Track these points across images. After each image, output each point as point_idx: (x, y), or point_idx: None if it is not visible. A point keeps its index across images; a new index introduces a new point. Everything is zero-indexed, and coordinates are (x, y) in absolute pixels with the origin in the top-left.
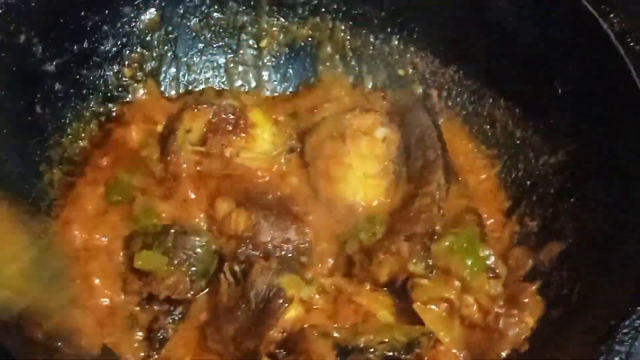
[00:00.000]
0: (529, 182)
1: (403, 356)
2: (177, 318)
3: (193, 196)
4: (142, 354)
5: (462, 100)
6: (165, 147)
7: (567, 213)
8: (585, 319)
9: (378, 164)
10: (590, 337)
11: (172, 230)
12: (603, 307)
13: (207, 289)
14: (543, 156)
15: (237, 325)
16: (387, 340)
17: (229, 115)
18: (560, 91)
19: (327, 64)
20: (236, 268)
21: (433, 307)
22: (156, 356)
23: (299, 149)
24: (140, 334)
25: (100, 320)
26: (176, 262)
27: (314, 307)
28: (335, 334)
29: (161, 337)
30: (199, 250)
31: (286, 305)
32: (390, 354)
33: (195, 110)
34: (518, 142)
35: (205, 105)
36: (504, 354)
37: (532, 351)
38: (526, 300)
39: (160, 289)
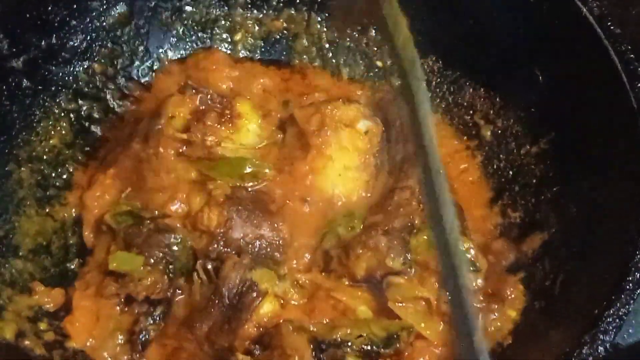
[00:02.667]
0: (511, 173)
1: (382, 350)
2: (158, 318)
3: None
4: (125, 357)
5: (442, 91)
6: (147, 132)
7: (549, 203)
8: (568, 309)
9: (359, 157)
10: (573, 327)
11: (145, 230)
12: (586, 297)
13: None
14: (525, 146)
15: (211, 323)
16: (364, 334)
17: (216, 104)
18: (541, 79)
19: (304, 56)
20: (209, 266)
21: (409, 305)
22: (140, 359)
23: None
24: (122, 337)
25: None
26: (152, 261)
27: (291, 302)
28: (312, 328)
29: (143, 339)
30: (175, 247)
31: (259, 299)
32: (369, 348)
33: (182, 96)
34: (499, 132)
35: (193, 92)
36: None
37: (515, 343)
38: (508, 293)
39: (139, 289)
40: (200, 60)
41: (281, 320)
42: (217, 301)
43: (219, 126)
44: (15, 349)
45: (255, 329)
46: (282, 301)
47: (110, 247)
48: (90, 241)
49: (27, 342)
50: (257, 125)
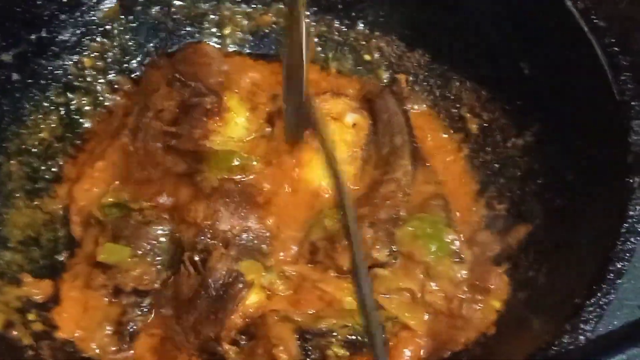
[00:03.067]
0: (497, 165)
1: (366, 340)
2: (145, 309)
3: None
4: (113, 348)
5: (429, 85)
6: (136, 125)
7: (534, 195)
8: (551, 299)
9: (347, 150)
10: (556, 316)
11: (133, 221)
12: (569, 287)
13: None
14: (510, 138)
15: (197, 314)
16: (349, 324)
17: (204, 98)
18: (526, 72)
19: None
20: (196, 257)
21: (394, 296)
22: (128, 350)
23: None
24: (110, 328)
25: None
26: (140, 252)
27: (277, 293)
28: (297, 319)
29: (131, 330)
30: (162, 239)
31: (246, 289)
32: (353, 338)
33: (170, 90)
34: (485, 124)
35: (180, 85)
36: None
37: (499, 333)
38: (492, 284)
39: (127, 280)
40: (189, 55)
41: (267, 311)
42: (203, 292)
43: (206, 119)
44: (3, 338)
45: (241, 320)
46: (268, 292)
47: (99, 239)
48: (78, 233)
49: (15, 332)
50: (245, 118)
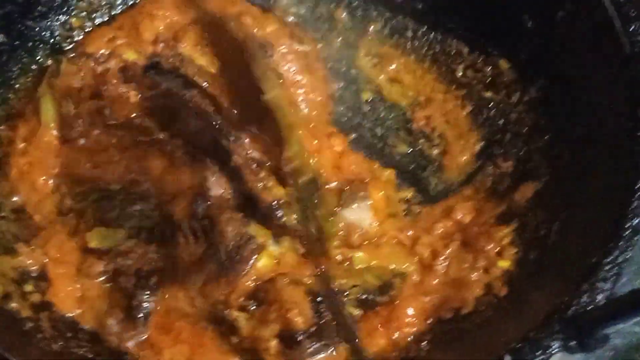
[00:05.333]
0: (501, 122)
1: (378, 298)
2: (154, 288)
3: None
4: (129, 334)
5: (428, 40)
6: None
7: (540, 152)
8: (564, 259)
9: None
10: (571, 276)
11: (117, 202)
12: (583, 245)
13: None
14: (515, 93)
15: (205, 277)
16: (359, 283)
17: (110, 64)
18: (530, 24)
19: None
20: (195, 225)
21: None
22: (144, 332)
23: None
24: (121, 315)
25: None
26: (134, 232)
27: (286, 258)
28: (307, 281)
29: (144, 312)
30: (152, 214)
31: (257, 252)
32: (364, 296)
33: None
34: (488, 80)
35: (84, 58)
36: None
37: (511, 294)
38: (490, 244)
39: (129, 263)
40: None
41: (273, 275)
42: (212, 256)
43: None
44: (2, 311)
45: (251, 282)
46: (276, 260)
47: (79, 226)
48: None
49: (13, 304)
50: None
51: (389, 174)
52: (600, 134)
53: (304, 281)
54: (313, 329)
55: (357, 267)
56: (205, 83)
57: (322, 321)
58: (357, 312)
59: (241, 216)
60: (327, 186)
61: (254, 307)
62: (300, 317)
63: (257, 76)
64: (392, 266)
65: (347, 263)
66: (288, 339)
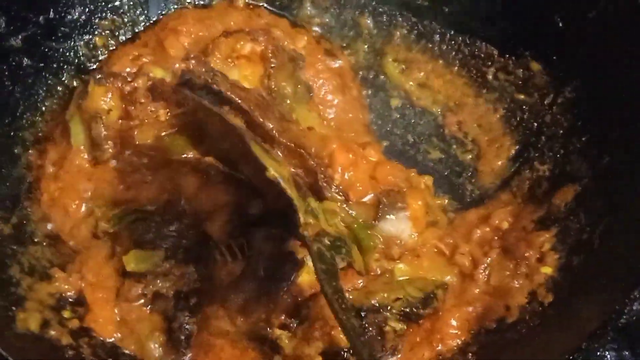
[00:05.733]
0: (535, 125)
1: (421, 311)
2: (194, 309)
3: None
4: (171, 356)
5: (456, 44)
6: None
7: (579, 153)
8: (611, 264)
9: None
10: (620, 282)
11: (152, 224)
12: (630, 249)
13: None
14: (548, 95)
15: (245, 295)
16: (401, 297)
17: (138, 82)
18: (560, 25)
19: None
20: (232, 244)
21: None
22: (186, 354)
23: None
24: (161, 337)
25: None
26: (170, 253)
27: None
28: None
29: (186, 333)
30: (188, 234)
31: (297, 268)
32: (408, 310)
33: (104, 88)
34: (520, 83)
35: (112, 78)
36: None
37: (557, 301)
38: (530, 250)
39: (169, 285)
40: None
41: (314, 292)
42: (250, 274)
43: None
44: (42, 339)
45: (292, 299)
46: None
47: (116, 249)
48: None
49: (52, 332)
50: None
51: (426, 180)
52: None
53: None
54: None
55: (398, 279)
56: (239, 99)
57: (366, 336)
58: (400, 326)
59: (278, 232)
60: (363, 199)
61: (296, 325)
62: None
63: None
64: (433, 277)
65: (388, 275)
66: (332, 355)
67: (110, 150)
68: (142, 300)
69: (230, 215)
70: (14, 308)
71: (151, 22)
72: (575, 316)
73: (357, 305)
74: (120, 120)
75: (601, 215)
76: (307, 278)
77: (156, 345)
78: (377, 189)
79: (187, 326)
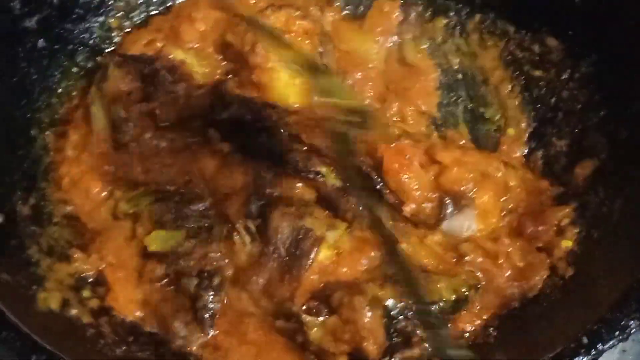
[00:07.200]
0: (552, 100)
1: (451, 317)
2: (218, 288)
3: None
4: (197, 335)
5: (472, 19)
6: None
7: (597, 128)
8: (631, 237)
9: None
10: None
11: (172, 204)
12: None
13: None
14: (565, 71)
15: (267, 275)
16: (436, 299)
17: (155, 65)
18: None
19: None
20: (250, 224)
21: None
22: (211, 333)
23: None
24: (186, 317)
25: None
26: (192, 233)
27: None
28: (380, 292)
29: (210, 312)
30: (208, 213)
31: (318, 244)
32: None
33: (121, 69)
34: (536, 59)
35: (132, 61)
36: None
37: (578, 275)
38: (550, 224)
39: (191, 264)
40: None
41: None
42: (272, 254)
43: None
44: (63, 318)
45: (315, 275)
46: (336, 251)
47: (137, 231)
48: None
49: (73, 311)
50: (198, 64)
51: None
52: None
53: (381, 299)
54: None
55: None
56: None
57: (392, 342)
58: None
59: (294, 210)
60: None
61: (326, 316)
62: (374, 347)
63: None
64: (463, 276)
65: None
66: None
67: (131, 132)
68: (165, 281)
69: (248, 197)
70: (34, 287)
71: (166, 5)
72: (596, 288)
73: (390, 308)
74: (140, 103)
75: (620, 190)
76: (327, 253)
77: (181, 325)
78: (442, 191)
79: (211, 305)
